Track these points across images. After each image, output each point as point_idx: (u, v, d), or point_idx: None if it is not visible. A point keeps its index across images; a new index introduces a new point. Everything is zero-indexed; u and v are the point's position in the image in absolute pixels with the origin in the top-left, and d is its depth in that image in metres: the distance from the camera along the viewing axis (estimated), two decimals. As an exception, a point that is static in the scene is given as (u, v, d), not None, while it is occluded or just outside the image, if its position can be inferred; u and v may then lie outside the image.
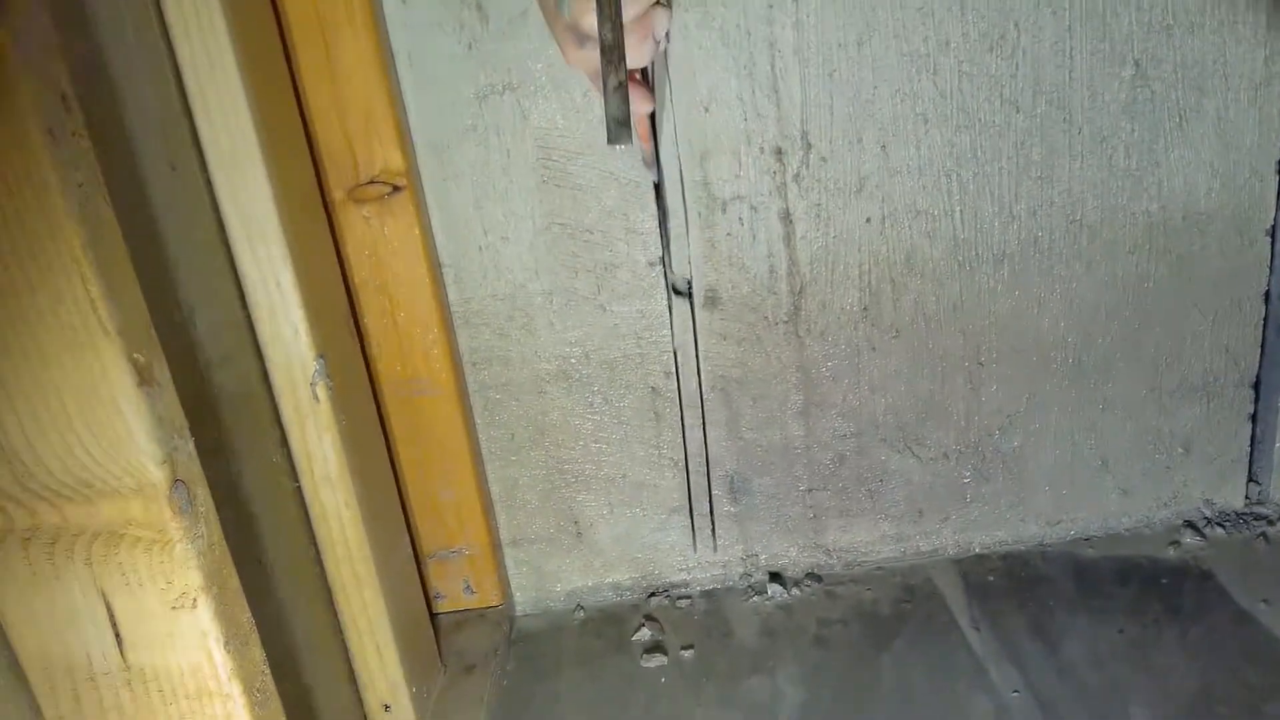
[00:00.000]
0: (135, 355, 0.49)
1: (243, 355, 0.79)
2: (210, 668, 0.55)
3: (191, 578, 0.53)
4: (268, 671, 0.59)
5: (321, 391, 0.83)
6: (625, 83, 0.63)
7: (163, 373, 0.51)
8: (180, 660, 0.55)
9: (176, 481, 0.51)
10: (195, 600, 0.53)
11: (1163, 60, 0.98)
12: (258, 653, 0.58)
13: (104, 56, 0.63)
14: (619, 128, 0.64)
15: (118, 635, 0.54)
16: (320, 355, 0.83)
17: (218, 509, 0.58)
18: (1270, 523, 1.13)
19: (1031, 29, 0.96)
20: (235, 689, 0.55)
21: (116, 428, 0.50)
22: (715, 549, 1.16)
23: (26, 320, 0.47)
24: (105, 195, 0.47)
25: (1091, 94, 0.99)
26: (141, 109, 0.67)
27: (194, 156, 0.75)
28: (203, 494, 0.54)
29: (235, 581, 0.56)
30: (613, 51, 0.64)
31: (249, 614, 0.57)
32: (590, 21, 0.69)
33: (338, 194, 0.96)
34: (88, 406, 0.49)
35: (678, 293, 1.05)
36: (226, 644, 0.54)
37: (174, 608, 0.53)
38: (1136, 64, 0.98)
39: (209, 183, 0.77)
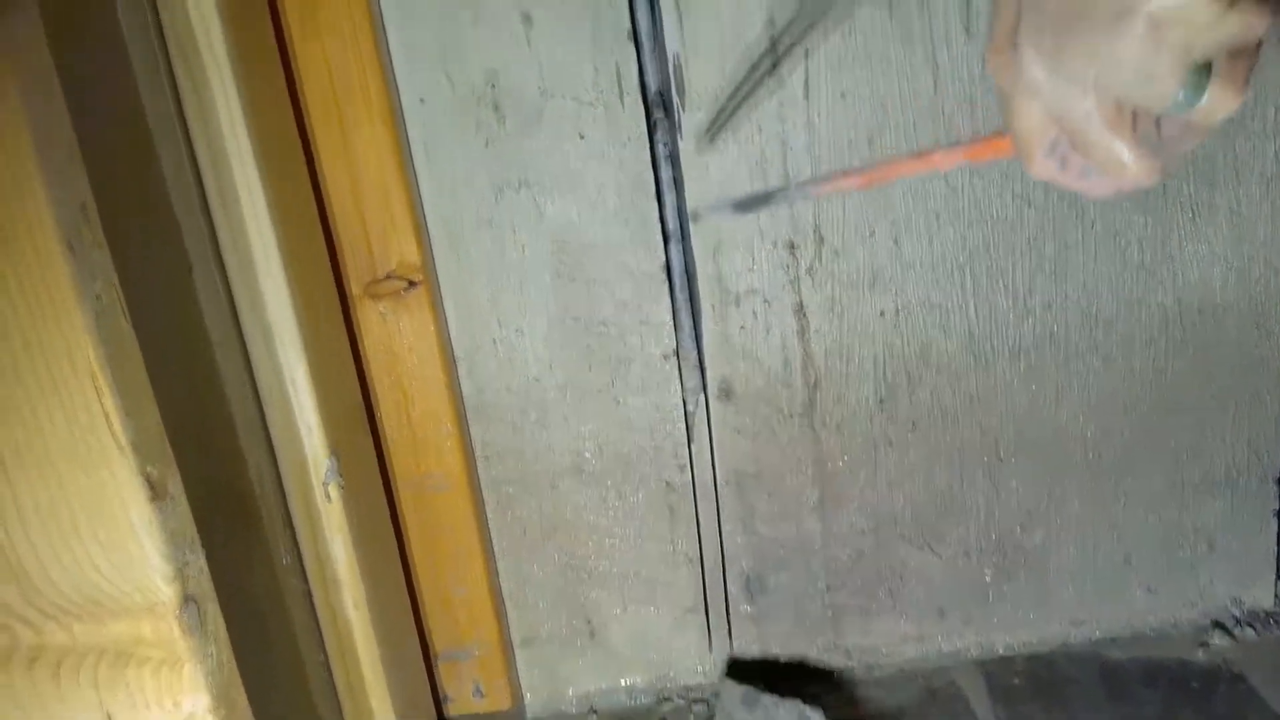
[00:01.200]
0: (149, 469, 0.48)
1: (255, 453, 0.78)
2: (217, 793, 0.53)
3: (200, 700, 0.51)
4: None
5: (333, 491, 0.82)
6: None
7: (175, 485, 0.50)
8: (187, 784, 0.52)
9: (187, 599, 0.50)
10: (204, 722, 0.51)
11: (1173, 156, 0.99)
12: (266, 774, 0.56)
13: (120, 158, 0.63)
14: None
15: (122, 758, 0.52)
16: (333, 454, 0.82)
17: (225, 611, 0.56)
18: (1302, 621, 1.10)
19: (1042, 127, 0.97)
20: (241, 815, 0.53)
21: (128, 545, 0.48)
22: (731, 650, 1.13)
23: (40, 434, 0.46)
24: (123, 307, 0.47)
25: (1103, 190, 0.99)
26: (159, 211, 0.68)
27: (211, 255, 0.75)
28: (212, 610, 0.53)
29: (244, 700, 0.54)
30: None
31: (258, 733, 0.55)
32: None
33: (355, 289, 0.96)
34: (99, 522, 0.48)
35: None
36: (234, 767, 0.52)
37: (182, 729, 0.51)
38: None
39: (226, 280, 0.77)
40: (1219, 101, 0.49)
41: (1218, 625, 1.12)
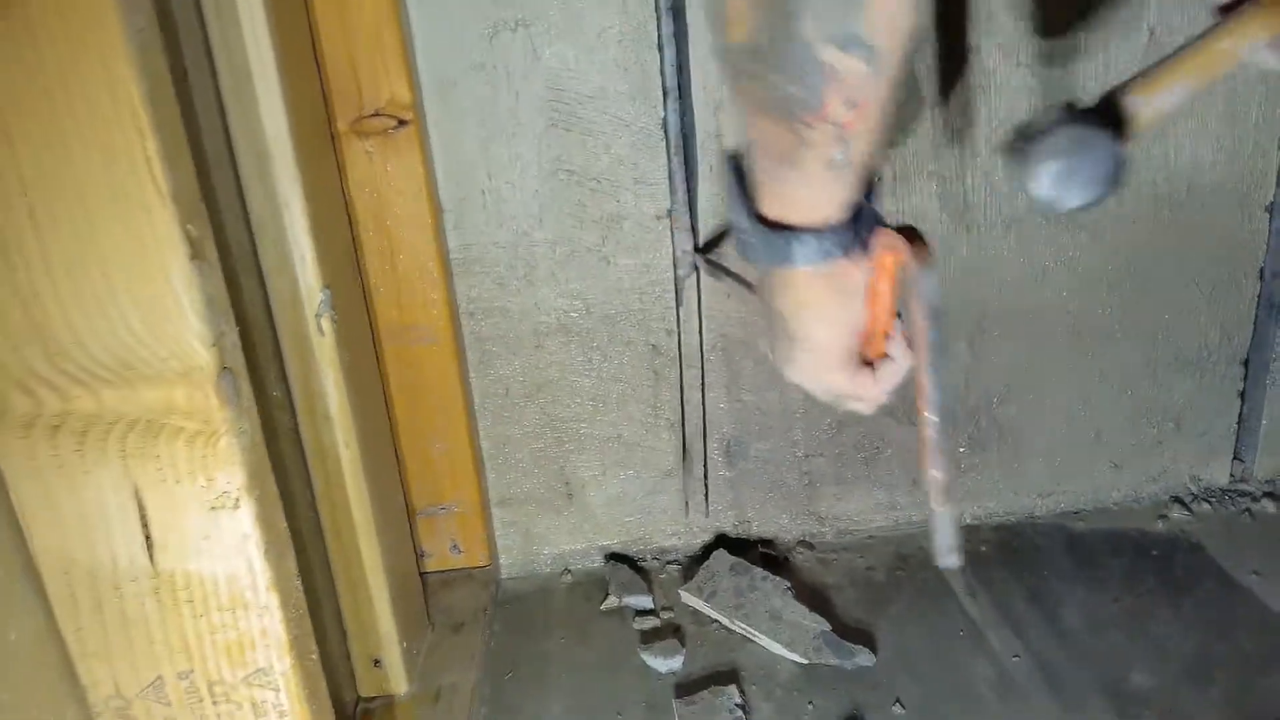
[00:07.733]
0: (189, 226, 0.44)
1: (246, 281, 0.74)
2: (249, 576, 0.51)
3: (235, 475, 0.48)
4: (300, 587, 0.55)
5: (327, 325, 0.79)
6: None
7: (212, 251, 0.47)
8: (215, 567, 0.50)
9: (224, 369, 0.47)
10: (238, 500, 0.49)
11: (1175, 29, 0.98)
12: (293, 565, 0.54)
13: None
14: (951, 553, 0.64)
15: (148, 537, 0.49)
16: (327, 286, 0.79)
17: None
18: (1255, 499, 1.15)
19: (1051, -8, 0.96)
20: (273, 601, 0.51)
21: (166, 303, 0.45)
22: (708, 514, 1.14)
23: (75, 180, 0.42)
24: (162, 48, 0.43)
25: (1105, 58, 0.99)
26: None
27: (205, 66, 0.70)
28: (246, 388, 0.50)
29: (274, 486, 0.52)
30: (949, 489, 0.62)
31: (285, 523, 0.53)
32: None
33: (341, 125, 0.92)
34: (135, 278, 0.45)
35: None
36: (267, 551, 0.50)
37: (213, 508, 0.49)
38: (1151, 30, 0.98)
39: (220, 99, 0.72)
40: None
41: (1176, 500, 1.16)
